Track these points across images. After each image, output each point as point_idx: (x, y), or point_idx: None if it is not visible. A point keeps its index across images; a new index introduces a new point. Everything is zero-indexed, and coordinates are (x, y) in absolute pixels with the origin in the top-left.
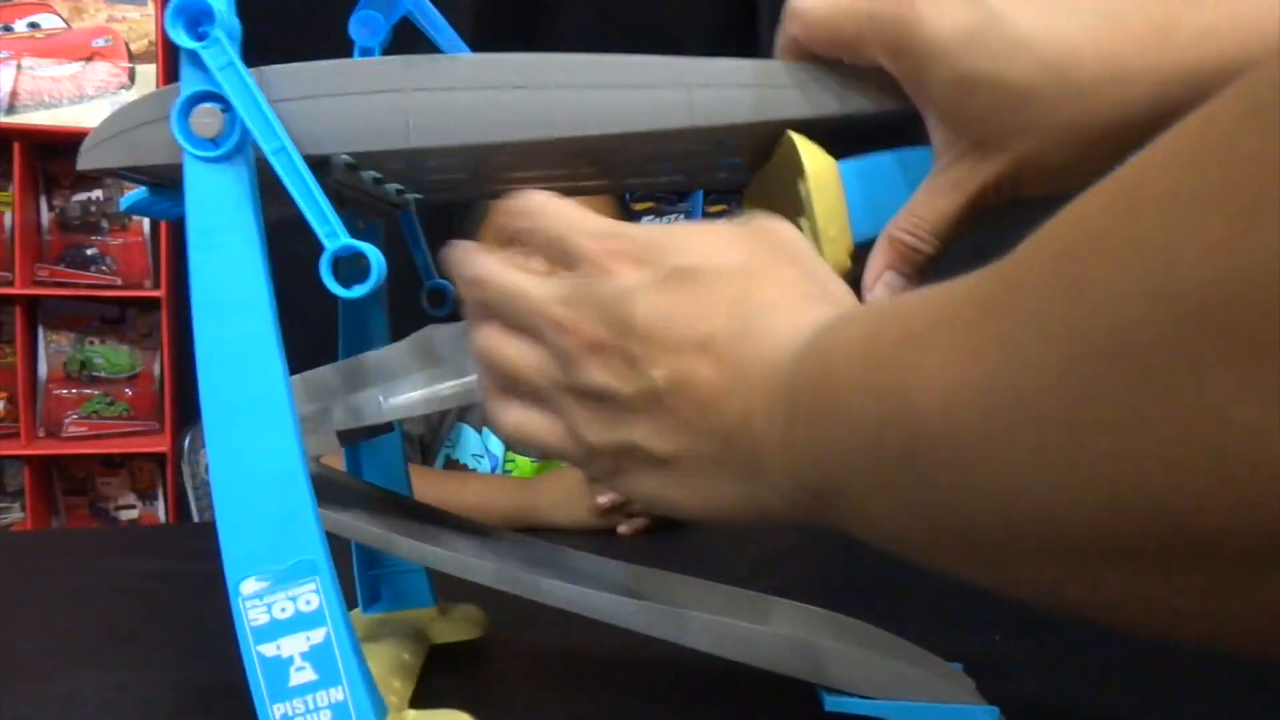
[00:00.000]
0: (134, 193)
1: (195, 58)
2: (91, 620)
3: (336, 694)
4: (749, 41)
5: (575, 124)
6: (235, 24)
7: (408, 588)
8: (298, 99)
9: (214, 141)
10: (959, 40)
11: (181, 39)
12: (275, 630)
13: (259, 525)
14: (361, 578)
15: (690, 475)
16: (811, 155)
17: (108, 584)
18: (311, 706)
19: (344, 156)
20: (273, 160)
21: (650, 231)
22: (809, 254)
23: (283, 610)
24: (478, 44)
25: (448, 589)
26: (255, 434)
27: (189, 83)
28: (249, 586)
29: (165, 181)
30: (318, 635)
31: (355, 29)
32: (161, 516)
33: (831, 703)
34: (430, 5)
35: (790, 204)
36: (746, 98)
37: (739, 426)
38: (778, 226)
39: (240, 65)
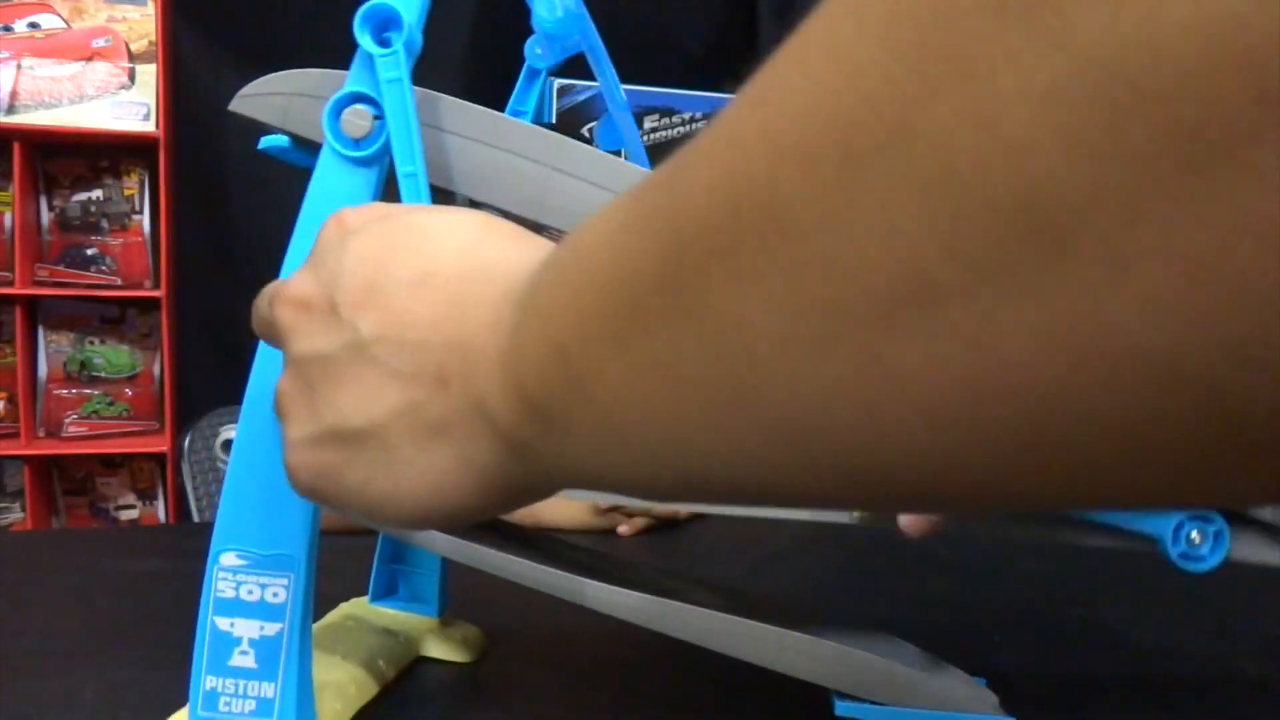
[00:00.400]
0: (275, 137)
1: (369, 61)
2: (91, 620)
3: (268, 690)
4: (749, 42)
5: None
6: (419, 39)
7: (422, 588)
8: (450, 133)
9: (357, 142)
10: None
11: (366, 42)
12: (236, 609)
13: (260, 507)
14: (379, 569)
15: (395, 448)
16: None
17: (108, 584)
18: (240, 692)
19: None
20: (401, 180)
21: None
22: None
23: (250, 593)
24: (477, 43)
25: (457, 602)
26: None
27: (354, 81)
28: (228, 559)
29: (304, 141)
30: (272, 629)
31: (530, 49)
32: (161, 516)
33: (842, 708)
34: (604, 51)
35: None
36: None
37: (454, 354)
38: None
39: (408, 83)
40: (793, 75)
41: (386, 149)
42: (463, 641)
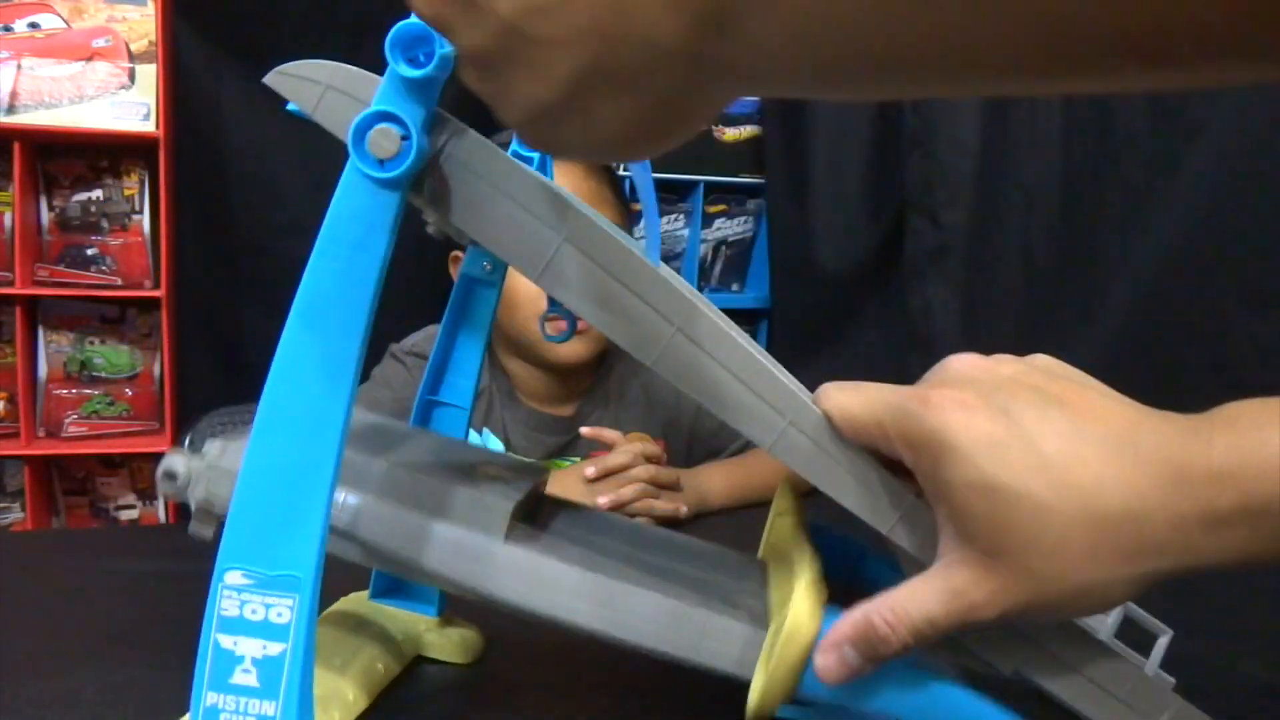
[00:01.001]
0: None
1: (399, 81)
2: (91, 620)
3: (269, 708)
4: None
5: (670, 368)
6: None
7: (423, 587)
8: (473, 173)
9: (383, 163)
10: (982, 446)
11: (400, 66)
12: (239, 627)
13: (267, 527)
14: None
15: (586, 110)
16: (800, 605)
17: (108, 584)
18: (240, 709)
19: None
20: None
21: None
22: None
23: (254, 612)
24: None
25: (456, 603)
26: (300, 444)
27: (383, 99)
28: (233, 578)
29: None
30: (275, 648)
31: None
32: (161, 516)
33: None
34: None
35: (780, 581)
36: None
37: (604, 6)
38: None
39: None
40: None
41: (411, 171)
42: (461, 643)
